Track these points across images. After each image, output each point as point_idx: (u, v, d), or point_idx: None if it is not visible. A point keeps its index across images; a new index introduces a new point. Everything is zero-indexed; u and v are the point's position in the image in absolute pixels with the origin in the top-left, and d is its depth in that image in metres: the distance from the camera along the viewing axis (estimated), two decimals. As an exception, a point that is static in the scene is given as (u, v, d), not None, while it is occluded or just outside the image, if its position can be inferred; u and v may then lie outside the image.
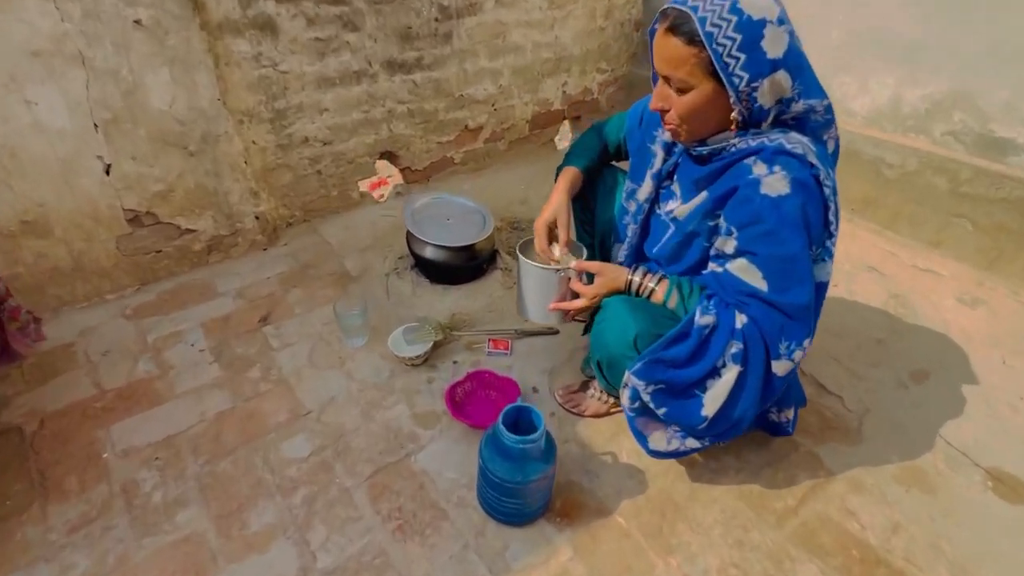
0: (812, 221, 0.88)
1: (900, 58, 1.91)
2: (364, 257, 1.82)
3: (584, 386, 1.36)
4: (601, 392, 1.32)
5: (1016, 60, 1.68)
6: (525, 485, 0.99)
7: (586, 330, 1.36)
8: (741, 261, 0.92)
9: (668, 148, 1.09)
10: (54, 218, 1.42)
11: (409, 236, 1.63)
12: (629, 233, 1.22)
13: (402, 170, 2.17)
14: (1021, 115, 1.71)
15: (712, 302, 0.95)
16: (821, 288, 0.97)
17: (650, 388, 0.95)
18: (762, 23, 0.80)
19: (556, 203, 1.14)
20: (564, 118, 2.60)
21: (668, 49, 0.87)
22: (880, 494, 1.17)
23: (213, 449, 1.20)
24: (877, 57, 1.96)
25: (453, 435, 1.26)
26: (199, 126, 1.53)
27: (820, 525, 1.11)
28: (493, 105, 2.27)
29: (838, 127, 0.98)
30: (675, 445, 1.04)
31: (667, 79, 0.91)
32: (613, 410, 1.32)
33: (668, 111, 0.94)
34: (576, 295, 1.10)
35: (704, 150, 0.97)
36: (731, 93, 0.85)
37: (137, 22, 1.34)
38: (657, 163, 1.11)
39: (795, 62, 0.84)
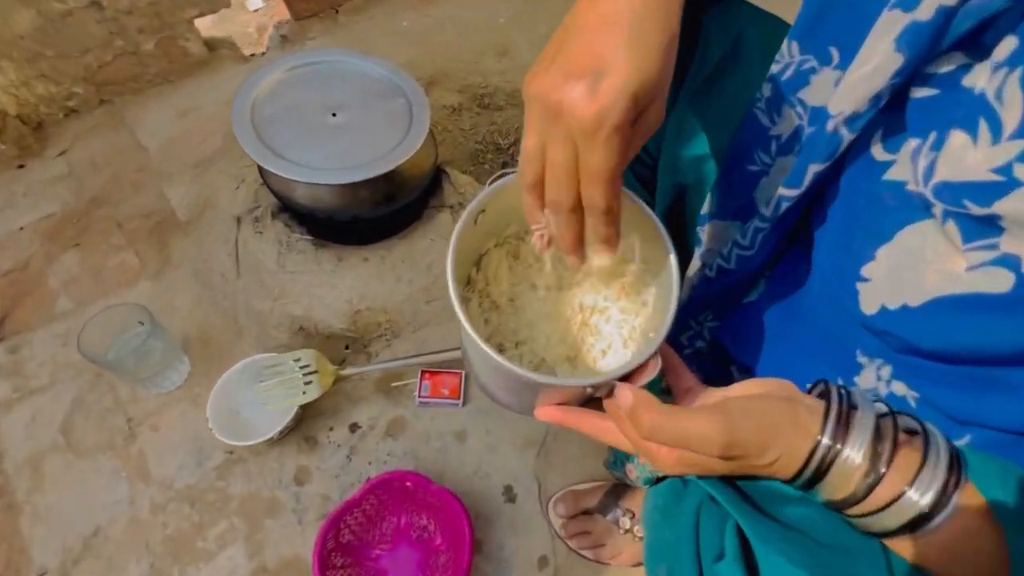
0: None
1: None
2: (206, 178, 0.99)
3: (611, 498, 0.66)
4: (638, 529, 0.63)
5: None
6: None
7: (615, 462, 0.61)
8: None
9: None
10: None
11: (263, 173, 0.79)
12: (768, 201, 0.41)
13: (284, -6, 1.21)
14: None
15: None
16: None
17: None
18: None
19: (626, 24, 0.28)
20: None
21: None
22: None
23: None
24: None
25: (335, 632, 0.60)
26: None
27: None
28: None
29: None
30: None
31: None
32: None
33: None
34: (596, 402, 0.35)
35: None
36: None
37: None
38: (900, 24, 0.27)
39: None
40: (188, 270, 0.89)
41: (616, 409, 0.32)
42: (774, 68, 0.39)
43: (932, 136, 0.30)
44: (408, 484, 0.65)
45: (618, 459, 0.66)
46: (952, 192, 0.28)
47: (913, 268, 0.32)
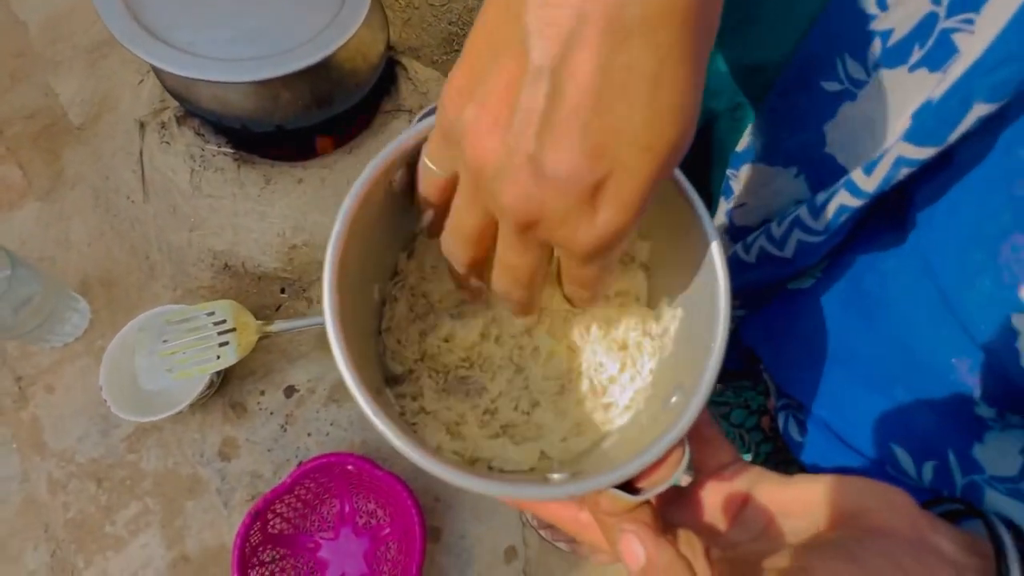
0: None
1: None
2: (104, 67, 0.78)
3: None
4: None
5: None
6: None
7: None
8: None
9: None
10: None
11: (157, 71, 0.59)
12: (872, 149, 0.25)
13: None
14: None
15: None
16: None
17: None
18: None
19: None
20: None
21: None
22: None
23: None
24: None
25: (266, 634, 0.52)
26: None
27: None
28: None
29: None
30: None
31: None
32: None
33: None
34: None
35: None
36: None
37: None
38: None
39: None
40: (86, 190, 0.71)
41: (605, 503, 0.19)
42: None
43: None
44: (349, 467, 0.53)
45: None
46: None
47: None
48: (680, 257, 0.23)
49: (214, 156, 0.67)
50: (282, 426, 0.60)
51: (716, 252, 0.21)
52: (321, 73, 0.59)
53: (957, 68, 0.20)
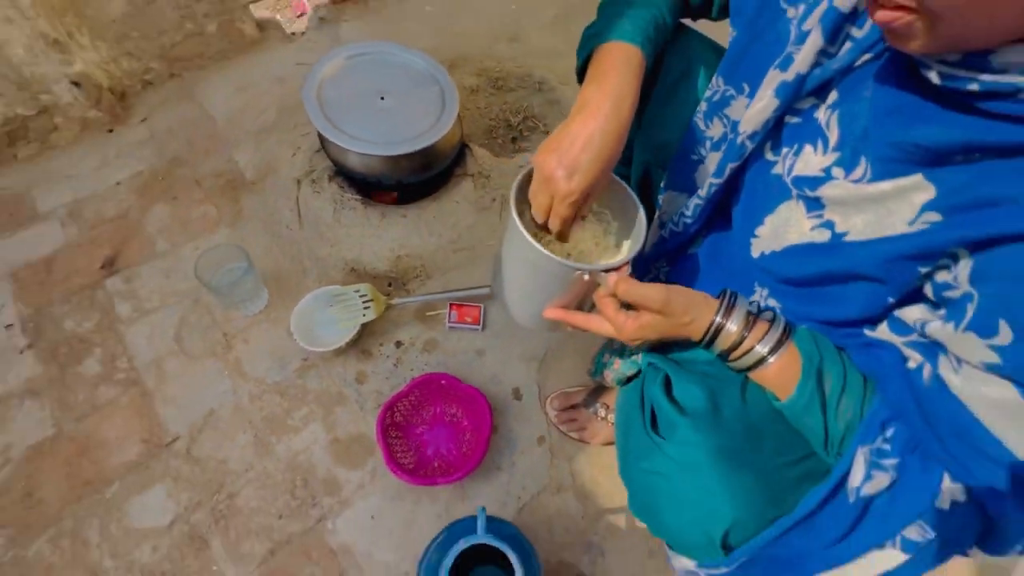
0: None
1: None
2: (265, 145, 1.19)
3: (591, 398, 0.90)
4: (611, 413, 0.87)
5: None
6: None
7: (596, 371, 0.84)
8: (1005, 391, 0.38)
9: (838, 25, 0.45)
10: None
11: (323, 140, 0.99)
12: (700, 181, 0.63)
13: (323, -19, 1.38)
14: None
15: (894, 440, 0.44)
16: None
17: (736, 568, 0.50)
18: None
19: (594, 147, 0.52)
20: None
21: None
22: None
23: (22, 517, 0.79)
24: None
25: (390, 485, 0.84)
26: None
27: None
28: None
29: None
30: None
31: None
32: (632, 437, 0.88)
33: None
34: (585, 300, 0.58)
35: (974, 81, 0.35)
36: None
37: None
38: (802, 56, 0.47)
39: None
40: (258, 222, 1.09)
41: (602, 296, 0.54)
42: (708, 92, 0.60)
43: (795, 147, 0.51)
44: (443, 382, 0.88)
45: (598, 368, 0.89)
46: (801, 183, 0.50)
47: (784, 229, 0.53)
48: (626, 218, 0.60)
49: (349, 201, 1.06)
50: (394, 364, 0.95)
51: (641, 216, 0.58)
52: (427, 151, 0.98)
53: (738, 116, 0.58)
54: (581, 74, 0.61)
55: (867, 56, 0.45)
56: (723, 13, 0.60)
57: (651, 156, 0.72)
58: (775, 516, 0.46)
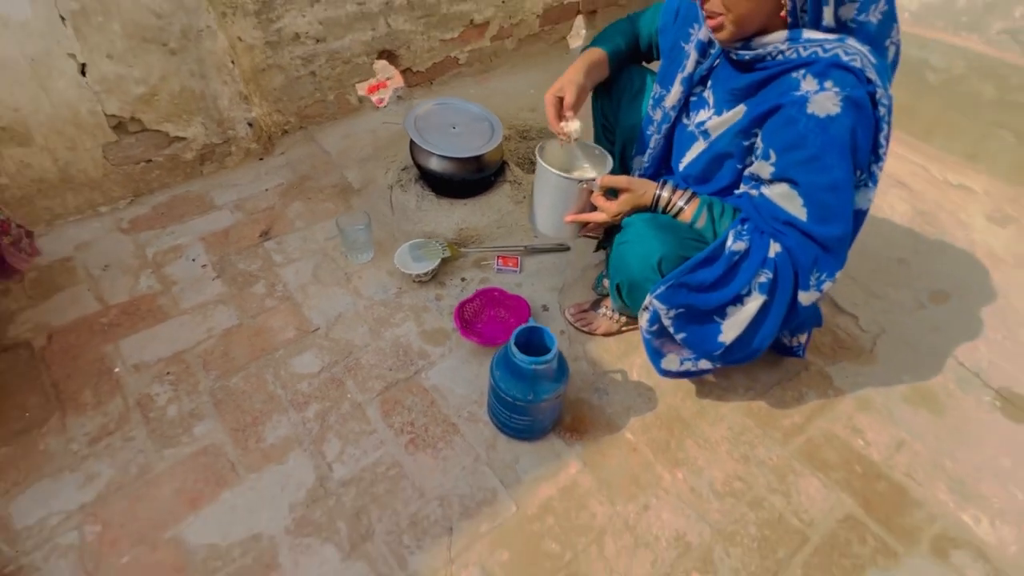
0: (861, 145, 0.80)
1: (963, -60, 1.68)
2: (365, 168, 1.73)
3: (595, 304, 1.33)
4: (612, 311, 1.29)
5: (1098, -58, 1.47)
6: (536, 404, 0.99)
7: (599, 246, 1.30)
8: (782, 187, 0.85)
9: (703, 49, 0.98)
10: (33, 124, 1.32)
11: (413, 146, 1.53)
12: (652, 144, 1.13)
13: (402, 72, 2.01)
14: (1091, 10, 1.53)
15: (746, 227, 0.89)
16: (860, 216, 0.90)
17: (672, 312, 0.92)
18: None
19: (567, 77, 1.06)
20: (579, 12, 2.37)
21: None
22: (888, 413, 1.18)
23: (223, 365, 1.20)
24: (936, -61, 1.73)
25: (462, 353, 1.25)
26: (178, 19, 1.39)
27: (825, 442, 1.13)
28: (501, -3, 2.05)
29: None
30: (687, 366, 1.03)
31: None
32: (624, 329, 1.30)
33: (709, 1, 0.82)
34: (595, 208, 1.03)
35: (747, 55, 0.86)
36: None
37: None
38: (689, 65, 1.00)
39: None
40: (362, 214, 1.59)
41: (596, 196, 1.02)
42: (652, 94, 1.12)
43: (696, 112, 1.02)
44: (496, 294, 1.32)
45: (598, 282, 1.34)
46: (699, 126, 1.00)
47: (692, 153, 1.03)
48: (603, 167, 1.09)
49: (427, 195, 1.57)
50: (460, 291, 1.39)
51: (609, 159, 1.07)
52: (480, 159, 1.51)
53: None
54: None
55: (717, 61, 0.97)
56: (654, 55, 1.14)
57: (625, 136, 1.23)
58: (685, 258, 0.90)
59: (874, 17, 0.79)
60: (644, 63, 1.21)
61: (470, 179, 1.54)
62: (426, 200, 1.58)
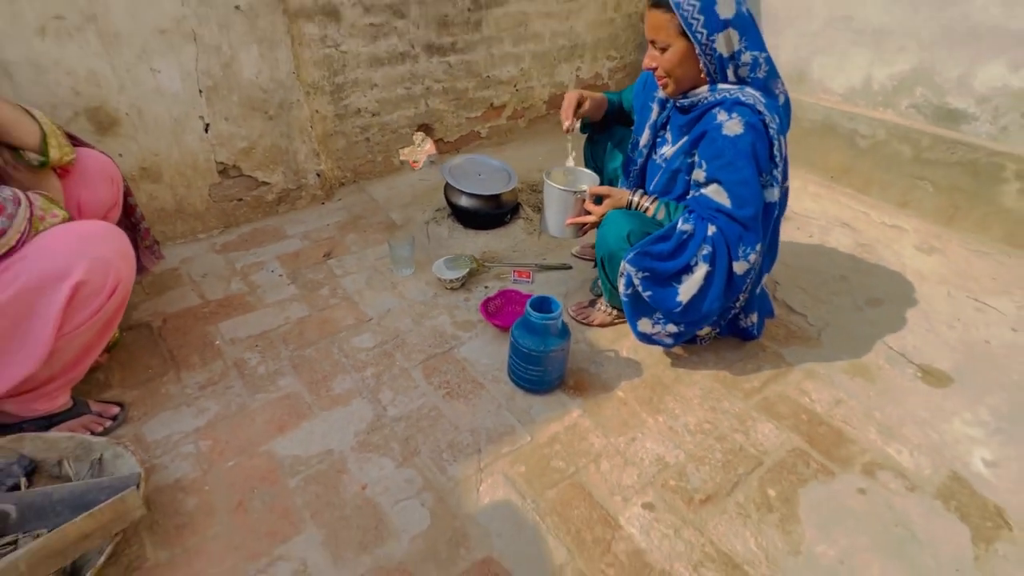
0: (760, 155, 1.18)
1: (870, 42, 2.19)
2: (406, 211, 2.14)
3: (592, 303, 1.66)
4: (606, 306, 1.62)
5: (966, 42, 1.96)
6: (546, 354, 1.30)
7: (597, 263, 1.66)
8: (713, 186, 1.22)
9: (662, 104, 1.40)
10: (164, 167, 1.76)
11: (447, 187, 1.94)
12: (632, 176, 1.52)
13: (436, 141, 2.49)
14: (971, 88, 1.99)
15: (691, 216, 1.25)
16: (770, 207, 1.26)
17: (639, 275, 1.26)
18: None
19: (588, 93, 1.51)
20: (577, 100, 2.91)
21: (652, 19, 1.19)
22: (829, 380, 1.46)
23: (299, 341, 1.53)
24: (852, 41, 2.25)
25: (487, 336, 1.57)
26: (278, 95, 1.86)
27: (778, 399, 1.41)
28: (515, 86, 2.59)
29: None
30: (657, 329, 1.34)
31: (653, 42, 1.22)
32: (616, 321, 1.62)
33: (657, 68, 1.25)
34: (588, 213, 1.41)
35: (686, 102, 1.28)
36: (697, 46, 1.16)
37: (237, 7, 1.67)
38: (653, 116, 1.41)
39: (741, 22, 1.15)
40: (406, 244, 1.98)
41: (587, 203, 1.41)
42: (633, 139, 1.54)
43: (662, 149, 1.43)
44: (513, 294, 1.66)
45: (593, 286, 1.68)
46: (662, 158, 1.41)
47: (657, 176, 1.43)
48: (589, 181, 1.48)
49: (456, 227, 1.96)
50: (484, 295, 1.73)
51: (596, 178, 1.46)
52: (499, 198, 1.92)
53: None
54: None
55: (669, 113, 1.40)
56: (631, 119, 1.58)
57: (610, 176, 1.63)
58: (648, 233, 1.26)
59: (760, 74, 1.21)
60: (624, 124, 1.64)
61: (491, 214, 1.94)
62: (456, 231, 1.97)
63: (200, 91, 1.72)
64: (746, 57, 1.19)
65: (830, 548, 1.08)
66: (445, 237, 1.96)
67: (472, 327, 1.61)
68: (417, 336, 1.56)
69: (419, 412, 1.33)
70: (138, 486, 0.98)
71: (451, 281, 1.72)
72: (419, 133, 2.41)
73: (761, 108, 1.17)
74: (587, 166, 1.69)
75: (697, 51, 1.18)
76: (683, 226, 1.24)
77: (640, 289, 1.27)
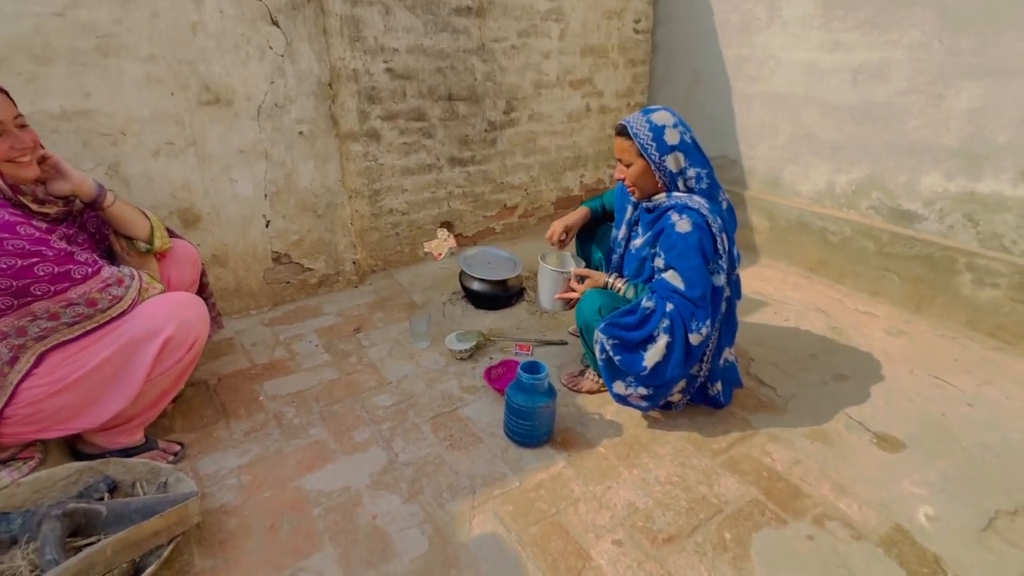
0: (706, 247, 1.48)
1: (829, 155, 2.55)
2: (427, 293, 2.48)
3: (582, 372, 1.90)
4: (594, 376, 1.86)
5: (908, 154, 2.29)
6: (535, 409, 1.53)
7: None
8: (670, 271, 1.51)
9: (635, 205, 1.73)
10: (231, 255, 2.15)
11: (462, 274, 2.28)
12: (613, 263, 1.83)
13: (456, 235, 2.88)
14: (918, 193, 2.29)
15: (654, 295, 1.53)
16: (719, 290, 1.53)
17: (610, 341, 1.51)
18: (663, 127, 1.48)
19: (573, 216, 1.85)
20: (582, 202, 3.32)
21: (619, 144, 1.55)
22: (791, 443, 1.64)
23: (328, 399, 1.79)
24: (813, 154, 2.61)
25: (488, 399, 1.81)
26: (326, 198, 2.29)
27: (743, 458, 1.58)
28: (526, 190, 3.00)
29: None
30: (630, 391, 1.57)
31: (620, 160, 1.57)
32: (602, 389, 1.85)
33: (625, 179, 1.59)
34: (573, 290, 1.70)
35: (650, 204, 1.60)
36: (652, 164, 1.50)
37: (300, 132, 2.13)
38: (628, 215, 1.74)
39: (684, 147, 1.50)
40: (425, 318, 2.29)
41: (573, 282, 1.71)
42: (613, 233, 1.87)
43: (635, 242, 1.75)
44: (513, 363, 1.92)
45: (583, 357, 1.93)
46: (634, 249, 1.72)
47: (631, 264, 1.74)
48: (576, 263, 1.79)
49: (468, 308, 2.27)
50: (489, 364, 1.99)
51: (581, 263, 1.77)
52: (506, 283, 2.23)
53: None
54: None
55: (638, 212, 1.73)
56: (612, 215, 1.92)
57: (594, 264, 1.95)
58: (616, 307, 1.52)
59: (703, 185, 1.53)
60: (610, 220, 1.97)
61: (499, 296, 2.25)
62: (468, 310, 2.27)
63: (265, 195, 2.14)
64: (691, 172, 1.53)
65: (776, 583, 1.22)
66: (459, 316, 2.26)
67: (476, 391, 1.85)
68: (428, 397, 1.81)
69: (425, 459, 1.55)
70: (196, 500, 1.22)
71: (461, 352, 1.99)
72: (442, 229, 2.81)
73: (704, 212, 1.48)
74: (580, 253, 2.01)
75: (653, 168, 1.52)
76: (646, 303, 1.51)
77: (611, 354, 1.52)
